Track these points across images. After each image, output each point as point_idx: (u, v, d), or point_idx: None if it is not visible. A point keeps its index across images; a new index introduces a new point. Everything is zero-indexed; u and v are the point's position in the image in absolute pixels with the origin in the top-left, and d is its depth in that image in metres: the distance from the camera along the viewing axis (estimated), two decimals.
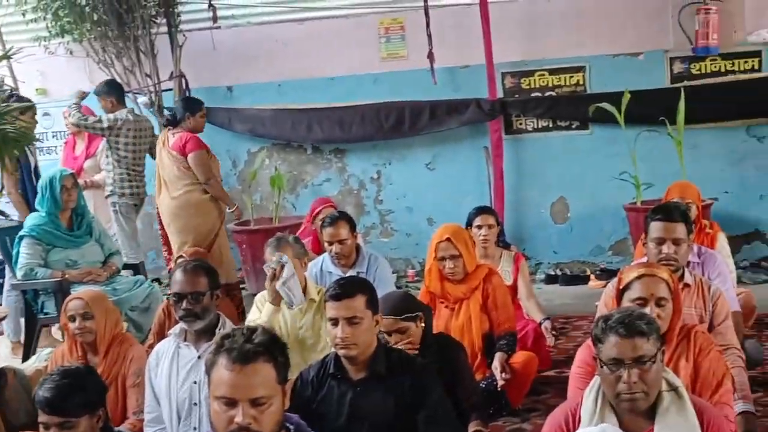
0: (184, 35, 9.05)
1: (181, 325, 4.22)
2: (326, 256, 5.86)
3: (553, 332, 5.73)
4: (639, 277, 3.64)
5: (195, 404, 4.11)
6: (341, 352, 3.66)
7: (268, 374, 2.68)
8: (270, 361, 2.69)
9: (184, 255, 6.16)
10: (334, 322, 3.65)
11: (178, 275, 4.21)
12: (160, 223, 7.99)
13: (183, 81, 9.04)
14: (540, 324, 5.72)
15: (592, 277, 8.32)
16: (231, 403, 2.63)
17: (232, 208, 7.44)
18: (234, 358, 2.64)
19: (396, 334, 4.23)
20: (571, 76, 8.70)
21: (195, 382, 4.09)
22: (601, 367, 2.98)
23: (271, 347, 2.70)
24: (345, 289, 3.68)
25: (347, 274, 5.49)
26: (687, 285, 4.40)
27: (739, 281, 7.50)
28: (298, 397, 3.71)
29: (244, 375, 2.63)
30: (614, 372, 2.93)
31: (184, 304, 4.13)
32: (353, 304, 3.64)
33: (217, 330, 4.14)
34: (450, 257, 5.10)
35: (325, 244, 5.80)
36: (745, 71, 8.27)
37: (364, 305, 3.66)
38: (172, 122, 7.37)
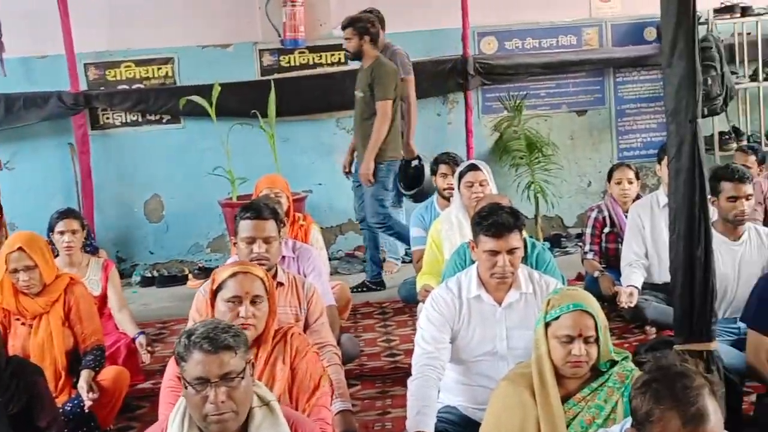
0: None
1: None
2: None
3: (149, 348, 5.35)
4: (233, 276, 3.42)
5: None
6: None
7: None
8: None
9: None
10: None
11: None
12: None
13: None
14: (134, 340, 5.31)
15: (191, 276, 8.05)
16: None
17: None
18: None
19: None
20: (160, 68, 8.36)
21: None
22: (186, 387, 2.67)
23: None
24: None
25: None
26: (281, 284, 4.25)
27: (336, 272, 7.62)
28: None
29: None
30: (200, 392, 2.64)
31: None
32: None
33: None
34: (24, 269, 4.53)
35: None
36: (332, 64, 8.41)
37: None
38: None
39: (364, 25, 7.01)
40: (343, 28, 7.09)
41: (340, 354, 4.30)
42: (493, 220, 3.74)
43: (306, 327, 4.22)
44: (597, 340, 3.12)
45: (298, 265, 4.96)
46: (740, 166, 5.19)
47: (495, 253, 3.72)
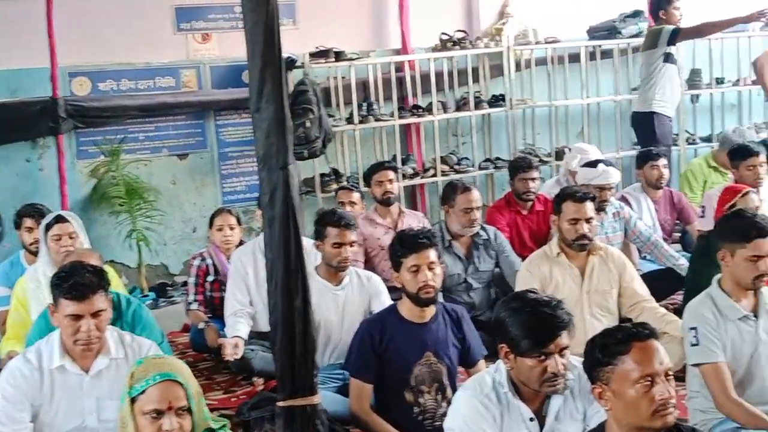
0: None
1: None
2: None
3: None
4: None
5: None
6: None
7: None
8: None
9: None
10: None
11: None
12: None
13: None
14: None
15: None
16: None
17: None
18: None
19: None
20: None
21: None
22: None
23: None
24: None
25: None
26: None
27: None
28: None
29: None
30: None
31: None
32: None
33: None
34: None
35: None
36: None
37: None
38: None
39: None
40: None
41: None
42: (74, 281, 3.38)
43: None
44: (190, 410, 2.85)
45: None
46: (347, 212, 5.25)
47: (78, 317, 3.38)
